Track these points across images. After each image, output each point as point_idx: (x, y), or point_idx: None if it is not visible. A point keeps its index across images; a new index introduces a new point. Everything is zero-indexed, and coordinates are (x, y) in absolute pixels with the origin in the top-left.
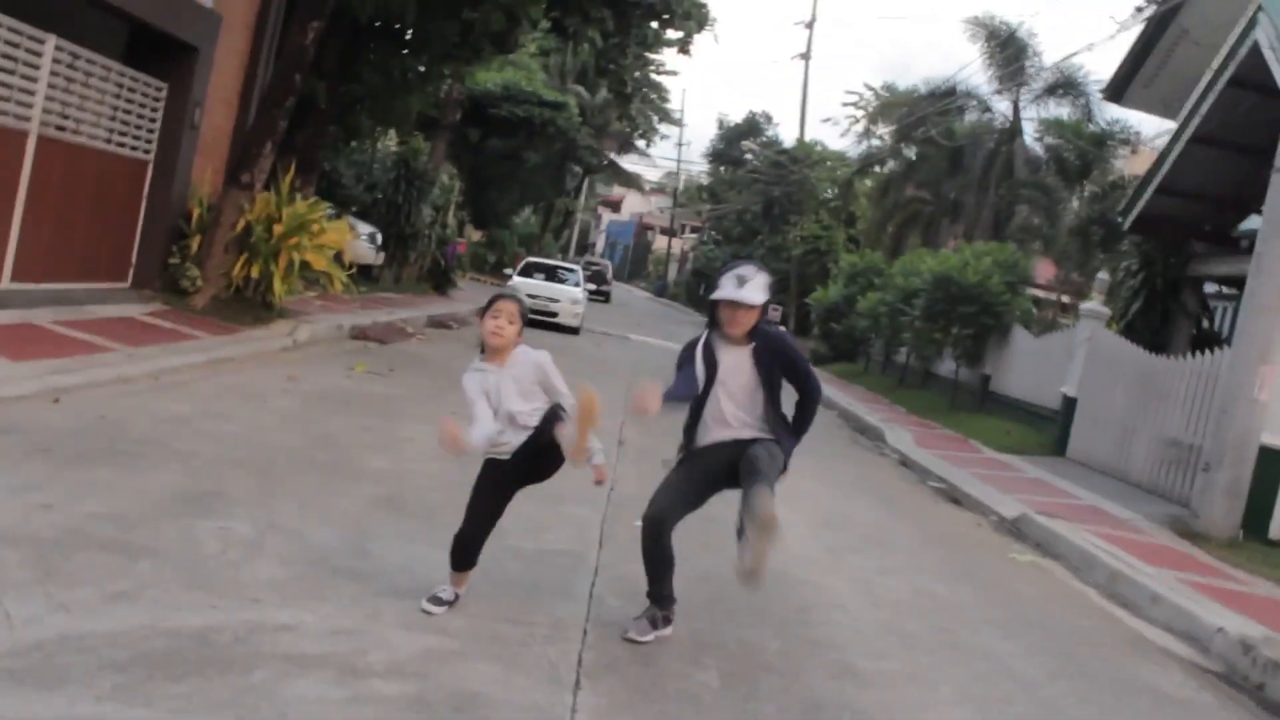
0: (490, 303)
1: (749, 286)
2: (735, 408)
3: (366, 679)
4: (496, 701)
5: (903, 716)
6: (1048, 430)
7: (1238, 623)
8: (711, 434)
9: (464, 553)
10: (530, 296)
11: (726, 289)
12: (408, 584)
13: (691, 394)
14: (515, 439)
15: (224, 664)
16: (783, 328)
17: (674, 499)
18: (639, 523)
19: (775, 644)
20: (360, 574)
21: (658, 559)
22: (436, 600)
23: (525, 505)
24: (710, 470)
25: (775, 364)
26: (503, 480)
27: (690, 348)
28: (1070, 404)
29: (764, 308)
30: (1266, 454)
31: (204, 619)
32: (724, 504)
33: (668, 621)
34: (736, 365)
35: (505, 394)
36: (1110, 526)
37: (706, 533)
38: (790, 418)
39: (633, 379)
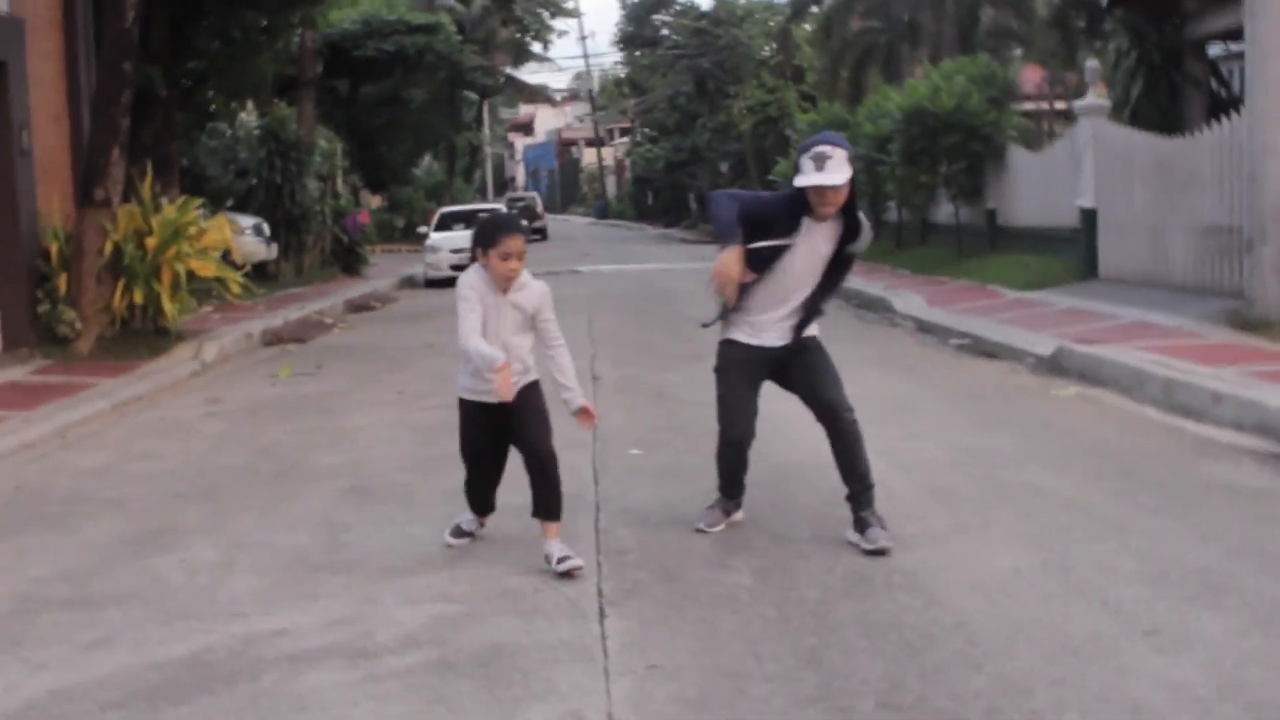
0: (495, 239)
1: (829, 166)
2: (795, 297)
3: (379, 657)
4: (523, 647)
5: (954, 567)
6: (1072, 253)
7: None
8: (759, 334)
9: (479, 500)
10: (453, 251)
11: (807, 173)
12: (398, 563)
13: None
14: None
15: (228, 677)
16: None
17: (747, 417)
18: (634, 451)
19: (806, 532)
20: (343, 565)
21: (737, 466)
22: (458, 531)
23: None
24: (759, 376)
25: (847, 243)
26: (483, 423)
27: (763, 201)
28: (1090, 217)
29: (852, 181)
30: None
31: (191, 644)
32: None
33: (739, 507)
34: (818, 241)
35: (505, 321)
36: (1159, 338)
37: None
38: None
39: (593, 314)
